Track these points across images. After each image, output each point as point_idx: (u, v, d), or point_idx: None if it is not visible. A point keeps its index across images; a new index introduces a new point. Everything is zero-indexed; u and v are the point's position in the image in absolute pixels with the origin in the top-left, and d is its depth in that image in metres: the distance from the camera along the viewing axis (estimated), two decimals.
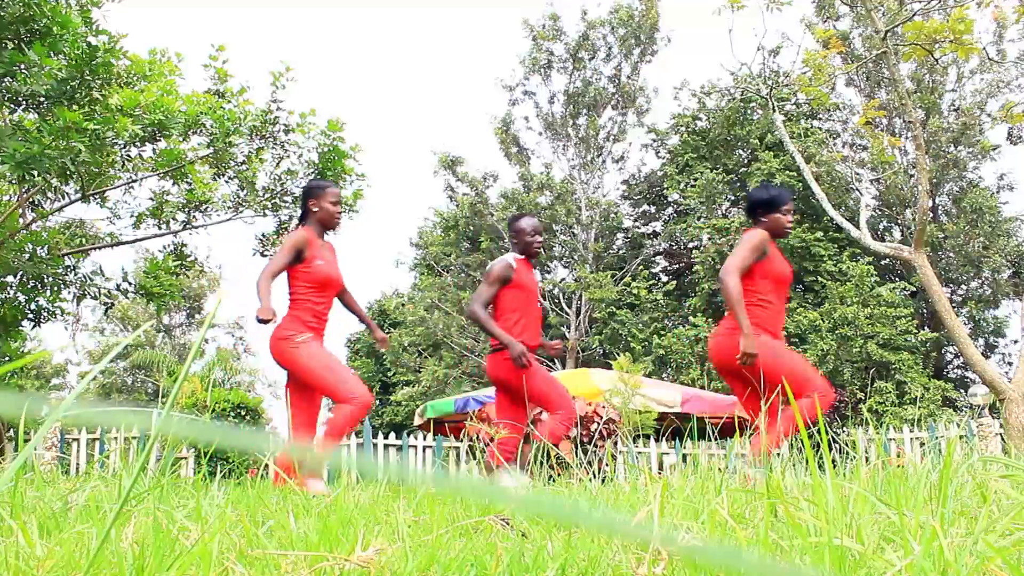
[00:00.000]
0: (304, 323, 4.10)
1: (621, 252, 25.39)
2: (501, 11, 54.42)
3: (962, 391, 21.25)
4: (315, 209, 4.15)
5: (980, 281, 23.31)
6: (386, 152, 64.16)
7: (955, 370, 23.71)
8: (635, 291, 22.36)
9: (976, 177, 23.32)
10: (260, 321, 3.86)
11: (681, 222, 23.46)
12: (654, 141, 25.12)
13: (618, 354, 17.62)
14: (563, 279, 24.47)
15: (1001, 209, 22.75)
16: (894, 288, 20.33)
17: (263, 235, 9.93)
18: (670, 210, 25.71)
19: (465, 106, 57.80)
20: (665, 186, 24.02)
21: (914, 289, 21.44)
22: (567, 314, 23.23)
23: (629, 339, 21.73)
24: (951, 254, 22.59)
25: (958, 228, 22.18)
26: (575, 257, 24.05)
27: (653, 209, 26.34)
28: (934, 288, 7.49)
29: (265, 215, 9.77)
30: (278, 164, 9.47)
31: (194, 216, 9.69)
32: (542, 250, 4.77)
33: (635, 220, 26.44)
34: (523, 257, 4.72)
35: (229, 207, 9.70)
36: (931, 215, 23.53)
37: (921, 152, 7.23)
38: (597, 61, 24.19)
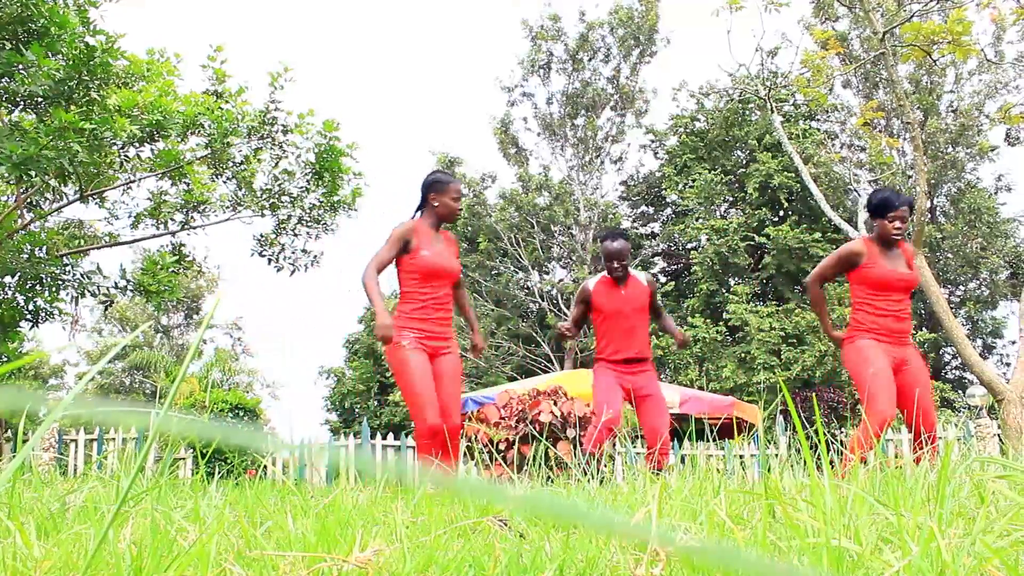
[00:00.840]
0: (408, 319, 4.02)
1: None
2: (500, 11, 54.44)
3: (960, 392, 21.27)
4: (435, 204, 4.14)
5: (978, 282, 23.36)
6: (385, 152, 64.16)
7: (953, 371, 23.74)
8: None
9: (974, 178, 23.37)
10: (382, 340, 3.84)
11: (679, 223, 23.47)
12: (652, 142, 25.14)
13: None
14: (561, 280, 24.48)
15: (999, 210, 22.80)
16: None
17: (261, 235, 9.90)
18: (668, 211, 25.74)
19: (464, 107, 57.77)
20: (663, 187, 24.04)
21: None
22: (565, 315, 23.23)
23: None
24: (949, 255, 22.63)
25: (956, 229, 22.22)
26: (573, 258, 24.06)
27: (651, 210, 26.37)
28: (932, 289, 7.50)
29: (263, 215, 9.77)
30: (276, 164, 9.45)
31: (192, 216, 9.67)
32: (619, 274, 4.79)
33: (633, 221, 26.45)
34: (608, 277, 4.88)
35: (227, 207, 9.69)
36: (929, 216, 23.57)
37: (919, 153, 7.24)
38: (596, 62, 24.20)
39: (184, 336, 30.32)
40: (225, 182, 9.50)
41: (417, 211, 4.24)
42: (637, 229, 26.23)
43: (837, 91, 23.54)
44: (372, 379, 26.57)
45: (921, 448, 3.97)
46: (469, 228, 24.39)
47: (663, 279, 25.65)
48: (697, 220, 22.52)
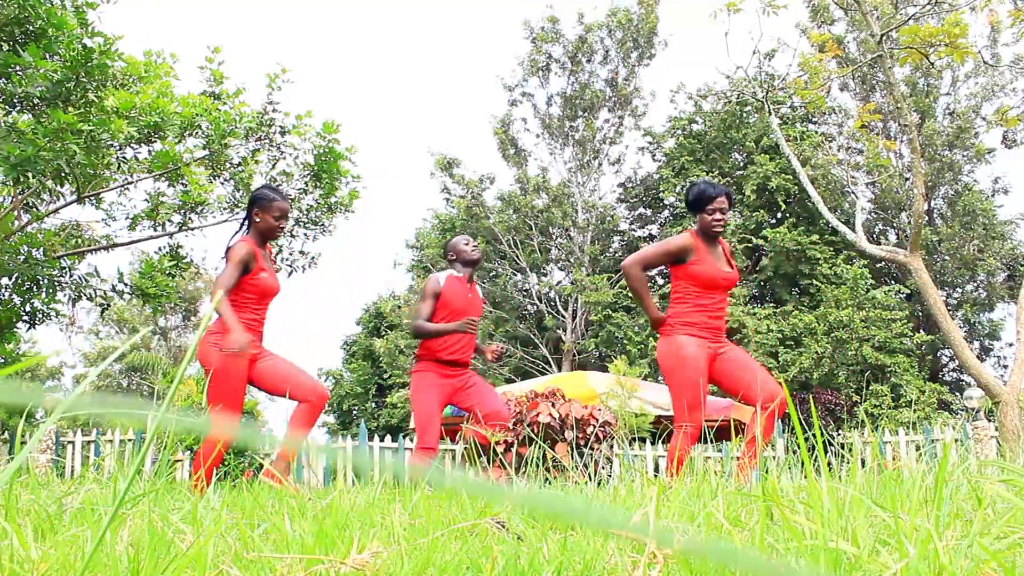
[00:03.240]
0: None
1: (618, 255, 25.41)
2: (498, 12, 54.46)
3: (958, 394, 21.30)
4: (258, 220, 4.15)
5: (975, 284, 23.38)
6: (385, 153, 64.15)
7: (951, 373, 23.76)
8: (631, 294, 22.36)
9: (971, 180, 23.40)
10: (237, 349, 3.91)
11: (677, 225, 23.49)
12: (650, 144, 25.15)
13: (615, 357, 17.62)
14: (559, 282, 24.48)
15: (996, 212, 22.83)
16: (889, 291, 20.40)
17: None
18: (667, 213, 25.76)
19: (463, 108, 57.77)
20: (661, 189, 24.07)
21: (909, 292, 21.50)
22: (563, 317, 23.23)
23: (625, 342, 21.74)
24: (946, 257, 22.66)
25: (953, 231, 22.25)
26: (571, 260, 24.06)
27: (649, 212, 26.39)
28: (929, 291, 7.50)
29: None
30: (274, 166, 9.40)
31: (190, 218, 9.62)
32: (477, 260, 4.99)
33: (631, 223, 26.46)
34: (459, 274, 4.94)
35: (224, 208, 9.67)
36: (926, 219, 23.60)
37: (916, 156, 7.24)
38: (595, 64, 24.21)
39: (182, 338, 30.26)
40: (223, 183, 9.47)
41: (242, 227, 4.24)
42: (635, 231, 26.22)
43: (834, 94, 23.58)
44: (370, 381, 26.54)
45: (771, 418, 3.88)
46: (467, 230, 24.37)
47: (660, 281, 25.66)
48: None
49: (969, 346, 9.68)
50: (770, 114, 7.57)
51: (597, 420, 7.43)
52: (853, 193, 9.97)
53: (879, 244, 23.61)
